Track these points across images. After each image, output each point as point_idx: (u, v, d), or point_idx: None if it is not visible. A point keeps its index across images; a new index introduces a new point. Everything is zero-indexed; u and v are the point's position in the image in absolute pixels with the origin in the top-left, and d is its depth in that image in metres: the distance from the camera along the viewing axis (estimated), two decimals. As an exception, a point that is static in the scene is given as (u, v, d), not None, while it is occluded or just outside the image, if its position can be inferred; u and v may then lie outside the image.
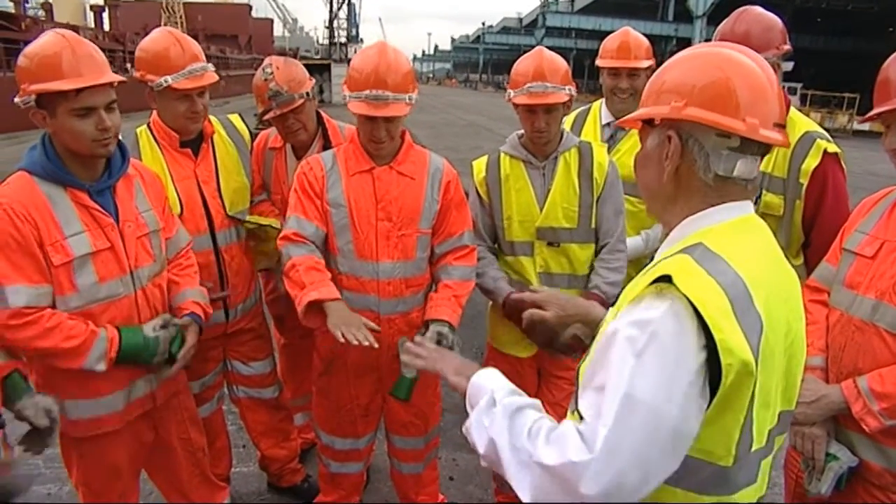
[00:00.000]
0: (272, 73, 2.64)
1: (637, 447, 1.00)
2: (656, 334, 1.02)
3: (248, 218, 2.72)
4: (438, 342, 2.22)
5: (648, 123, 1.25)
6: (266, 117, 2.70)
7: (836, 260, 1.94)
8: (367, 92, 2.19)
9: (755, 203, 2.37)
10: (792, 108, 2.42)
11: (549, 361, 2.61)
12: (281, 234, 2.36)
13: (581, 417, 1.09)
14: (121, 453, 2.19)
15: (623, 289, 1.62)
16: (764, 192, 2.39)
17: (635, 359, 1.02)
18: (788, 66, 2.49)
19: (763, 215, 2.35)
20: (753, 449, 1.14)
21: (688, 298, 1.02)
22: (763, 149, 1.17)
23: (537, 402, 1.23)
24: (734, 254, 1.11)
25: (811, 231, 2.39)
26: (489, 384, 1.31)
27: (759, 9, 2.49)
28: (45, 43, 1.91)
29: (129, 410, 2.14)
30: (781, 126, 1.16)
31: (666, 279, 1.06)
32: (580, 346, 2.34)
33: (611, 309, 1.27)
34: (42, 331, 1.87)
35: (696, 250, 1.11)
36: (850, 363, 1.79)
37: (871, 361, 1.73)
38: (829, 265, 1.98)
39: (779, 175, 2.39)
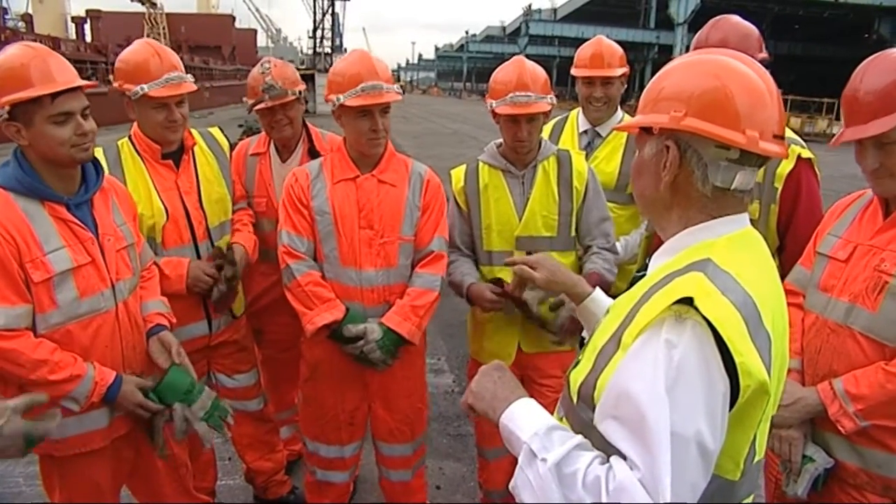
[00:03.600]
0: (270, 68, 2.78)
1: (693, 482, 1.01)
2: (683, 368, 1.00)
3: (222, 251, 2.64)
4: (359, 337, 2.31)
5: (646, 131, 1.22)
6: (256, 108, 2.79)
7: (811, 263, 1.96)
8: (362, 85, 2.26)
9: None
10: None
11: (532, 369, 2.62)
12: (279, 250, 2.45)
13: (611, 445, 1.07)
14: (103, 472, 2.16)
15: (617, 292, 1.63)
16: None
17: (667, 395, 1.00)
18: None
19: None
20: (756, 460, 1.15)
21: (708, 322, 1.01)
22: (761, 160, 1.15)
23: (579, 438, 1.13)
24: (741, 271, 1.10)
25: (786, 235, 2.43)
26: (520, 432, 1.19)
27: (735, 17, 2.53)
28: (10, 55, 1.89)
29: (114, 427, 2.11)
30: (780, 137, 1.15)
31: (683, 300, 1.03)
32: (576, 328, 2.35)
33: (609, 314, 1.26)
34: (20, 357, 1.84)
35: (707, 268, 1.09)
36: (825, 366, 1.81)
37: (845, 364, 1.75)
38: (804, 269, 2.00)
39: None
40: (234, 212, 2.79)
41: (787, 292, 1.98)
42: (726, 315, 1.02)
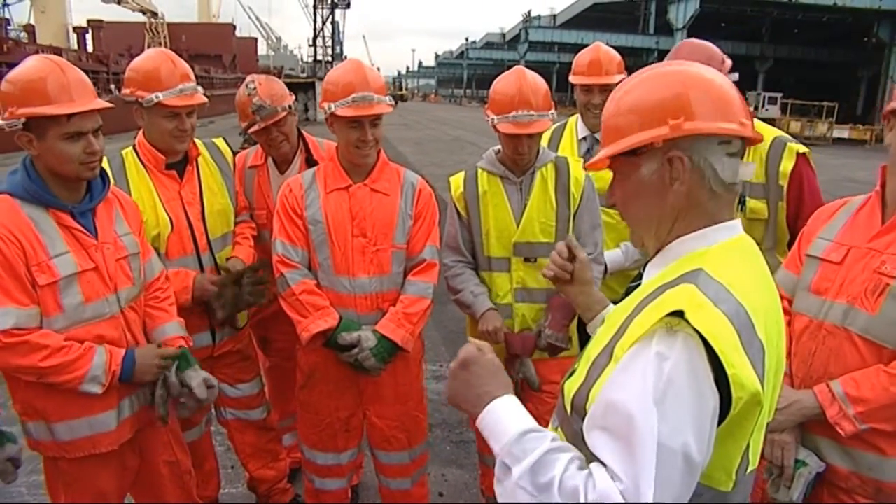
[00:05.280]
0: (255, 88, 2.74)
1: (677, 495, 1.00)
2: (673, 381, 0.99)
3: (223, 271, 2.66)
4: (354, 345, 2.34)
5: (631, 154, 1.17)
6: (250, 130, 2.77)
7: (796, 266, 1.97)
8: (353, 96, 2.28)
9: (741, 210, 2.44)
10: (756, 122, 2.50)
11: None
12: (274, 259, 2.46)
13: (593, 455, 1.05)
14: (108, 479, 2.18)
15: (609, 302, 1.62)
16: (747, 198, 2.48)
17: (656, 407, 0.99)
18: (734, 76, 2.56)
19: (750, 220, 2.47)
20: (749, 470, 1.14)
21: (699, 334, 1.00)
22: (742, 150, 1.18)
23: (550, 438, 1.11)
24: (734, 280, 1.09)
25: (795, 229, 2.45)
26: (494, 442, 1.16)
27: (695, 41, 2.55)
28: (32, 67, 1.93)
29: (121, 431, 2.13)
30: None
31: (675, 313, 1.03)
32: (557, 350, 2.42)
33: (603, 325, 1.25)
34: (36, 346, 1.87)
35: (698, 278, 1.08)
36: (820, 368, 1.81)
37: (842, 366, 1.75)
38: (789, 272, 2.00)
39: (758, 181, 2.48)
40: (236, 223, 2.80)
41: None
42: (718, 327, 1.01)
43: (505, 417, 1.18)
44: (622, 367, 1.06)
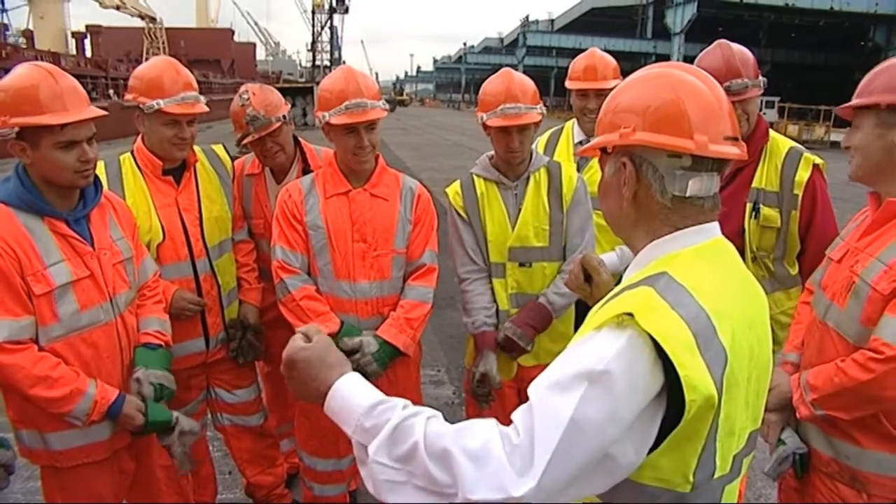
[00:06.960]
0: (248, 98, 2.71)
1: (575, 475, 0.98)
2: (609, 370, 0.98)
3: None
4: (355, 350, 2.31)
5: (605, 152, 1.25)
6: (244, 142, 2.75)
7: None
8: (346, 103, 2.27)
9: (755, 217, 2.47)
10: (771, 132, 2.56)
11: (531, 381, 2.59)
12: (273, 265, 2.46)
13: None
14: (104, 484, 2.17)
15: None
16: (762, 206, 2.51)
17: (586, 386, 0.98)
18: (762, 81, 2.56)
19: (763, 228, 2.51)
20: (717, 476, 1.12)
21: (650, 335, 0.99)
22: (718, 165, 1.16)
23: (406, 405, 1.08)
24: (699, 283, 1.09)
25: (805, 238, 2.51)
26: (344, 421, 1.14)
27: (727, 43, 2.55)
28: (23, 75, 1.92)
29: (115, 440, 2.12)
30: (735, 139, 1.16)
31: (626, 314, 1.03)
32: (514, 347, 2.42)
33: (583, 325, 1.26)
34: (23, 372, 1.85)
35: (659, 281, 1.08)
36: (813, 359, 1.91)
37: (826, 359, 1.84)
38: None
39: (772, 189, 2.51)
40: (235, 243, 2.79)
41: (808, 291, 2.15)
42: (671, 329, 1.01)
43: (347, 397, 1.14)
44: (567, 349, 1.08)
